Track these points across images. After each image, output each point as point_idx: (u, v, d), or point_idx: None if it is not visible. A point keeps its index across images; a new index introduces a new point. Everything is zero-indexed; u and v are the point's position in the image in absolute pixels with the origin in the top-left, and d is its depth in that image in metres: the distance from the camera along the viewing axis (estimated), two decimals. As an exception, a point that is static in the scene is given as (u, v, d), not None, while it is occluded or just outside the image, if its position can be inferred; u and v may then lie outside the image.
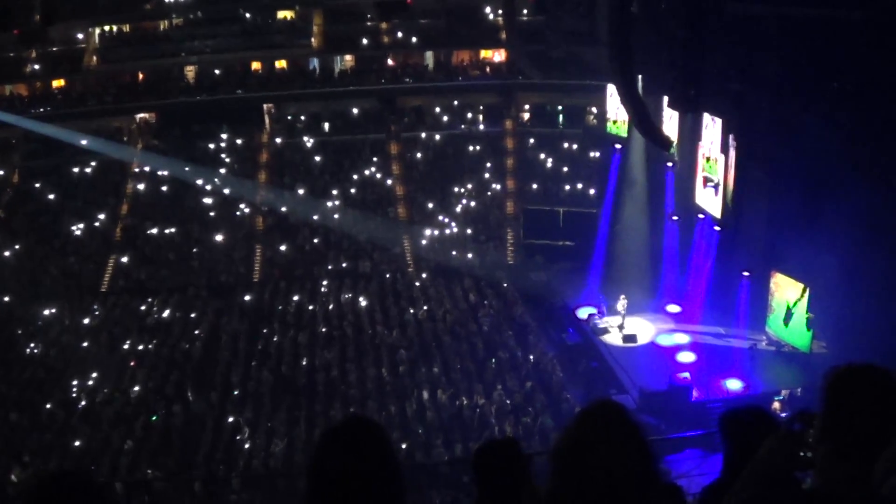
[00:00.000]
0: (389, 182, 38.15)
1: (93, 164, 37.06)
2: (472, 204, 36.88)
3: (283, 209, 36.24)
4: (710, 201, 26.78)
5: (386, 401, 24.46)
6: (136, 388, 26.01)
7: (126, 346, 28.59)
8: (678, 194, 28.73)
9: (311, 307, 31.45)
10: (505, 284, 32.56)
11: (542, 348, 27.53)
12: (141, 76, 39.50)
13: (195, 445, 22.69)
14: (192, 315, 30.64)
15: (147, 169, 37.38)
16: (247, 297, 32.13)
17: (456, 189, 37.23)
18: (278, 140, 39.37)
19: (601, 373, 26.22)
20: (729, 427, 3.86)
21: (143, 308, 31.39)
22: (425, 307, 30.76)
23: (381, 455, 2.68)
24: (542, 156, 38.19)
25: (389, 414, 23.53)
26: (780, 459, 2.80)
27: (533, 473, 3.85)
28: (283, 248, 35.04)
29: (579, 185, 36.42)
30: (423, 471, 19.71)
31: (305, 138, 39.34)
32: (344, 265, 34.26)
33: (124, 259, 34.00)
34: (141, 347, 28.54)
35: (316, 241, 35.35)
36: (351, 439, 2.68)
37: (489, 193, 37.56)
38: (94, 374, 26.57)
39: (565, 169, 37.40)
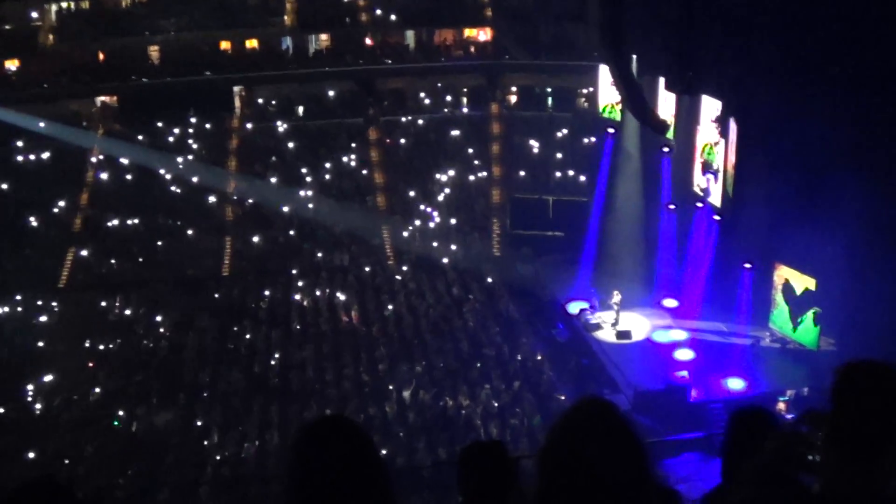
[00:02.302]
0: (367, 170, 38.19)
1: (48, 152, 36.86)
2: (456, 193, 36.98)
3: (255, 199, 36.28)
4: (709, 188, 26.97)
5: (365, 401, 24.52)
6: (97, 391, 25.94)
7: (86, 346, 28.53)
8: (675, 182, 28.83)
9: (284, 303, 31.57)
10: (490, 278, 32.75)
11: (531, 346, 27.63)
12: (101, 56, 39.13)
13: (161, 451, 22.65)
14: (158, 312, 30.58)
15: (109, 156, 37.20)
16: (216, 293, 32.16)
17: (438, 177, 37.34)
18: (249, 125, 39.36)
19: (593, 371, 26.30)
20: (729, 429, 3.87)
21: (104, 304, 31.25)
22: (406, 302, 30.93)
23: (364, 453, 2.67)
24: (531, 141, 38.30)
25: (368, 415, 23.61)
26: (784, 462, 2.79)
27: (520, 477, 3.85)
28: (254, 240, 35.02)
29: (570, 173, 36.57)
30: (404, 475, 19.87)
31: (278, 123, 39.32)
32: (319, 258, 34.31)
33: (84, 252, 33.81)
34: (102, 347, 28.46)
35: (290, 232, 35.38)
36: (331, 437, 2.66)
37: (474, 181, 37.68)
38: (52, 376, 26.44)
39: (556, 155, 37.56)
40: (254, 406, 24.68)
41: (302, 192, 36.41)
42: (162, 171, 36.48)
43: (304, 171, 37.53)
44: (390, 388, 25.38)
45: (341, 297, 31.44)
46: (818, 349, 23.92)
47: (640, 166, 30.53)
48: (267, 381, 26.45)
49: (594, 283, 30.30)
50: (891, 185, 19.50)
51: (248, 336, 29.07)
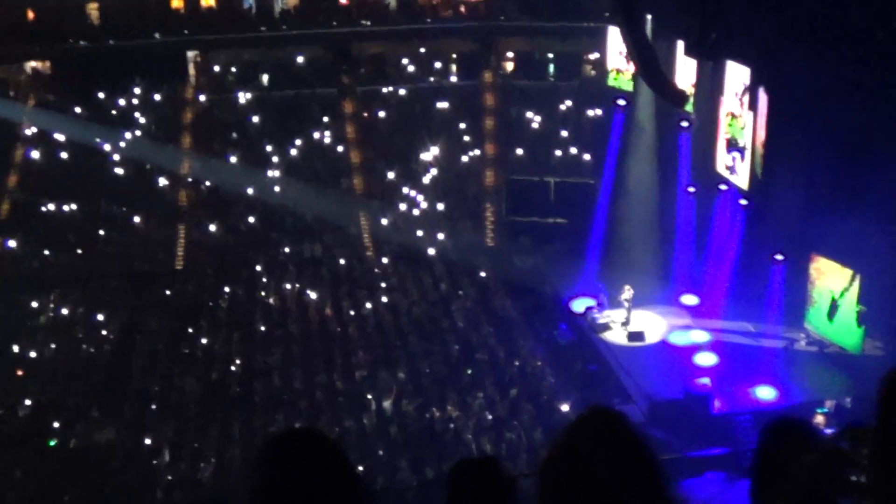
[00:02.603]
0: (343, 148, 38.09)
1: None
2: (444, 174, 37.01)
3: (213, 181, 36.28)
4: (734, 168, 27.09)
5: (340, 413, 24.64)
6: (27, 404, 25.87)
7: (15, 352, 28.40)
8: (696, 161, 28.97)
9: (247, 301, 31.68)
10: (483, 272, 32.83)
11: (530, 349, 27.83)
12: (31, 15, 38.70)
13: (103, 473, 22.58)
14: (100, 312, 30.50)
15: (41, 131, 37.00)
16: (168, 290, 32.20)
17: (424, 156, 37.34)
18: (205, 96, 39.14)
19: (601, 378, 26.44)
20: (759, 445, 3.89)
21: (35, 305, 31.12)
22: (387, 299, 31.05)
23: (339, 472, 2.71)
24: (529, 115, 38.26)
25: (344, 429, 23.74)
26: (823, 483, 2.81)
27: (518, 498, 3.86)
28: (212, 228, 35.07)
29: (574, 151, 36.56)
30: (386, 497, 20.16)
31: (239, 94, 39.18)
32: (288, 250, 34.40)
33: (13, 243, 33.66)
34: (34, 354, 28.37)
35: (253, 220, 35.39)
36: (301, 453, 2.69)
37: (464, 161, 37.65)
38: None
39: (559, 131, 37.54)
40: (211, 420, 24.70)
41: (268, 174, 36.46)
42: (104, 149, 36.31)
43: (269, 149, 37.47)
44: (369, 397, 25.51)
45: (313, 294, 31.50)
46: (862, 353, 23.91)
47: (655, 143, 30.72)
48: (227, 390, 26.54)
49: (602, 277, 30.41)
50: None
51: (205, 339, 29.10)
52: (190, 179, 36.71)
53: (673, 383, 25.04)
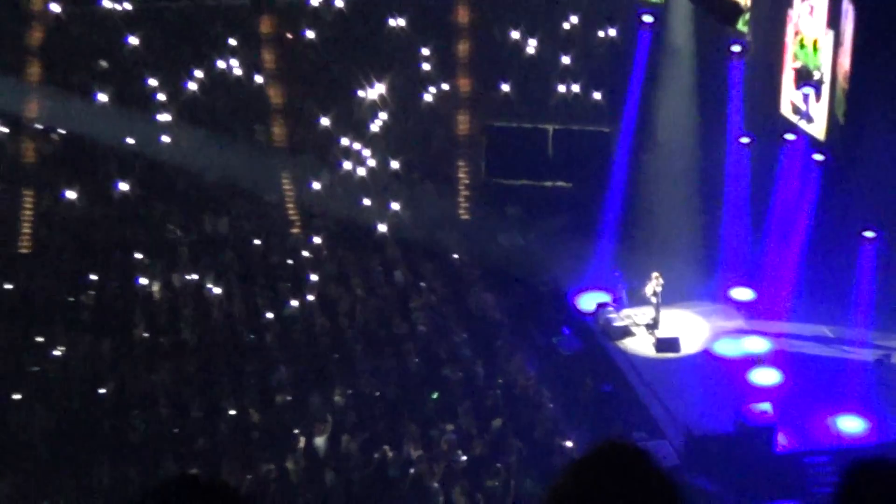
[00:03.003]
0: (258, 79, 37.39)
1: None
2: (399, 119, 36.64)
3: (72, 129, 35.73)
4: (807, 111, 26.99)
5: (253, 454, 24.47)
6: None
7: None
8: (752, 100, 29.15)
9: (122, 296, 31.27)
10: (456, 256, 32.85)
11: (520, 362, 27.98)
12: None
13: None
14: None
15: None
16: (6, 282, 31.63)
17: (370, 94, 36.65)
18: (60, 8, 37.82)
19: (619, 403, 26.77)
20: (840, 494, 3.70)
21: None
22: (320, 295, 30.74)
23: None
24: (517, 35, 37.70)
25: (259, 476, 23.71)
26: None
27: None
28: (71, 196, 34.44)
29: (578, 87, 36.13)
30: None
31: (106, 3, 37.99)
32: (178, 224, 34.03)
33: None
34: None
35: (129, 184, 34.70)
36: None
37: (427, 101, 37.20)
38: None
39: (560, 58, 37.01)
40: (69, 466, 24.33)
41: (150, 118, 35.72)
42: None
43: (153, 83, 36.64)
44: (295, 431, 25.30)
45: (215, 288, 31.15)
46: None
47: (695, 75, 31.17)
48: (93, 424, 26.06)
49: (621, 262, 30.56)
50: None
51: (59, 350, 28.65)
52: (39, 126, 36.10)
53: (719, 410, 25.14)
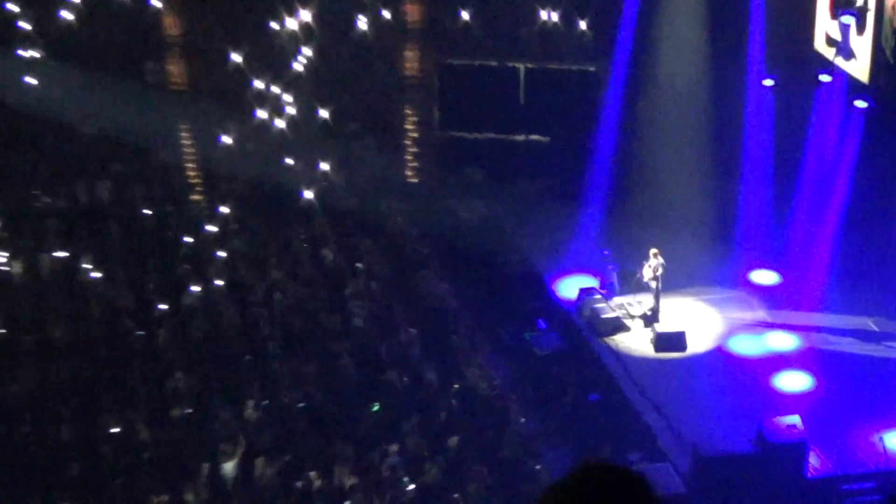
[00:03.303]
0: (153, 3, 35.23)
1: None
2: (328, 54, 35.14)
3: None
4: (847, 46, 25.82)
5: (142, 483, 23.61)
6: None
7: None
8: (777, 31, 28.19)
9: None
10: (401, 230, 31.56)
11: (483, 363, 27.72)
12: None
13: None
14: None
15: None
16: None
17: (290, 24, 34.84)
18: None
19: (609, 415, 26.29)
20: None
21: None
22: (228, 280, 30.16)
23: None
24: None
25: None
26: None
27: None
28: None
29: (557, 15, 34.21)
30: None
31: None
32: (41, 188, 32.20)
33: None
34: None
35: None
36: None
37: (363, 31, 35.24)
38: None
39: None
40: None
41: (16, 54, 33.40)
42: None
43: (14, 8, 34.14)
44: (196, 454, 24.46)
45: (94, 271, 29.32)
46: None
47: (706, 1, 30.18)
48: None
49: (611, 236, 29.70)
50: None
51: None
52: None
53: (736, 424, 24.39)
